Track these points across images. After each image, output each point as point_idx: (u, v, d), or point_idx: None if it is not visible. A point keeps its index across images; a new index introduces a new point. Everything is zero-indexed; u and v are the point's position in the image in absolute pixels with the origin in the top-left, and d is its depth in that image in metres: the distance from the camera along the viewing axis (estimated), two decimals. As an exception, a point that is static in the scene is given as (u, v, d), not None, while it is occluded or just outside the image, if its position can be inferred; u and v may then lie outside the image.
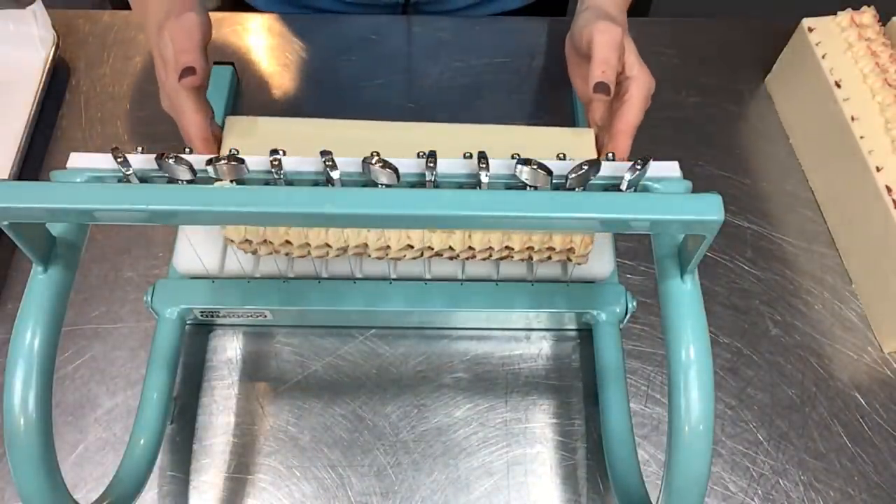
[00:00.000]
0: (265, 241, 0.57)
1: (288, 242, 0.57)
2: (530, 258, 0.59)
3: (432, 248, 0.57)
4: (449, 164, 0.46)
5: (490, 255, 0.58)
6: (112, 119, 0.79)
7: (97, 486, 0.60)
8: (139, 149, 0.47)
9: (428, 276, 0.62)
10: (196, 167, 0.45)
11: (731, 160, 0.78)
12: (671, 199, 0.39)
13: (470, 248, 0.57)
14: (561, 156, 0.52)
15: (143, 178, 0.46)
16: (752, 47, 0.86)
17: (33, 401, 0.42)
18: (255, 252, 0.59)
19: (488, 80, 0.83)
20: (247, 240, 0.57)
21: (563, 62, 0.68)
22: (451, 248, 0.57)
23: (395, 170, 0.44)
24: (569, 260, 0.59)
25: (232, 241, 0.57)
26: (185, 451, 0.62)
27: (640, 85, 0.59)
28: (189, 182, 0.45)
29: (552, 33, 0.87)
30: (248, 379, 0.65)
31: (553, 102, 0.81)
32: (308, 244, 0.57)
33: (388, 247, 0.57)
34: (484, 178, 0.45)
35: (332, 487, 0.60)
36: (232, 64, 0.81)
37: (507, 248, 0.57)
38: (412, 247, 0.57)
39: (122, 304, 0.68)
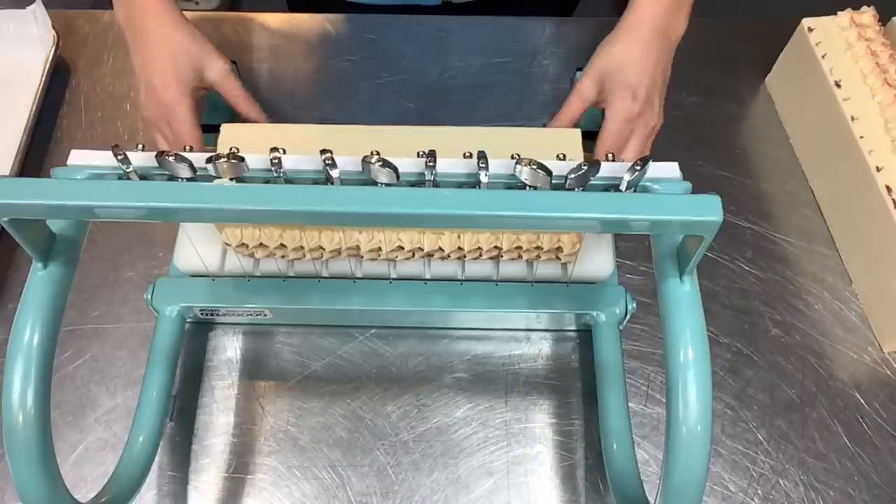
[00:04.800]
0: (261, 244, 0.57)
1: (283, 246, 0.57)
2: (520, 257, 0.59)
3: (423, 249, 0.57)
4: (448, 164, 0.46)
5: (480, 255, 0.58)
6: (112, 119, 0.79)
7: (97, 485, 0.60)
8: (139, 146, 0.47)
9: (428, 276, 0.62)
10: (196, 165, 0.45)
11: (731, 160, 0.78)
12: (671, 199, 0.39)
13: (459, 248, 0.57)
14: (560, 156, 0.52)
15: (144, 176, 0.46)
16: (752, 47, 0.86)
17: (32, 396, 0.42)
18: (252, 255, 0.59)
19: (488, 80, 0.83)
20: (243, 243, 0.57)
21: (564, 62, 0.68)
22: (440, 248, 0.57)
23: (395, 169, 0.44)
24: (557, 259, 0.59)
25: (228, 245, 0.57)
26: (184, 451, 0.62)
27: (611, 110, 0.61)
28: (189, 180, 0.45)
29: (552, 33, 0.87)
30: (248, 379, 0.65)
31: (553, 102, 0.81)
32: (302, 247, 0.57)
33: (380, 248, 0.57)
34: (483, 178, 0.44)
35: (332, 487, 0.60)
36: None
37: (495, 248, 0.57)
38: (403, 248, 0.57)
39: (122, 303, 0.68)
